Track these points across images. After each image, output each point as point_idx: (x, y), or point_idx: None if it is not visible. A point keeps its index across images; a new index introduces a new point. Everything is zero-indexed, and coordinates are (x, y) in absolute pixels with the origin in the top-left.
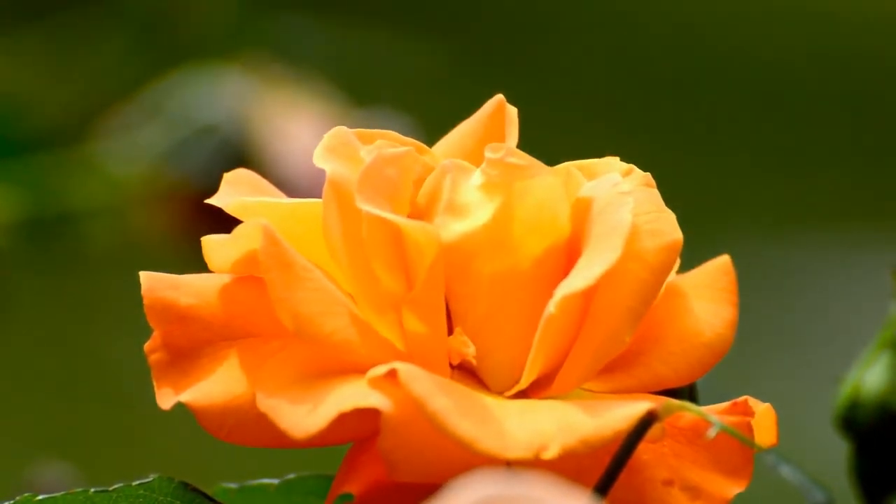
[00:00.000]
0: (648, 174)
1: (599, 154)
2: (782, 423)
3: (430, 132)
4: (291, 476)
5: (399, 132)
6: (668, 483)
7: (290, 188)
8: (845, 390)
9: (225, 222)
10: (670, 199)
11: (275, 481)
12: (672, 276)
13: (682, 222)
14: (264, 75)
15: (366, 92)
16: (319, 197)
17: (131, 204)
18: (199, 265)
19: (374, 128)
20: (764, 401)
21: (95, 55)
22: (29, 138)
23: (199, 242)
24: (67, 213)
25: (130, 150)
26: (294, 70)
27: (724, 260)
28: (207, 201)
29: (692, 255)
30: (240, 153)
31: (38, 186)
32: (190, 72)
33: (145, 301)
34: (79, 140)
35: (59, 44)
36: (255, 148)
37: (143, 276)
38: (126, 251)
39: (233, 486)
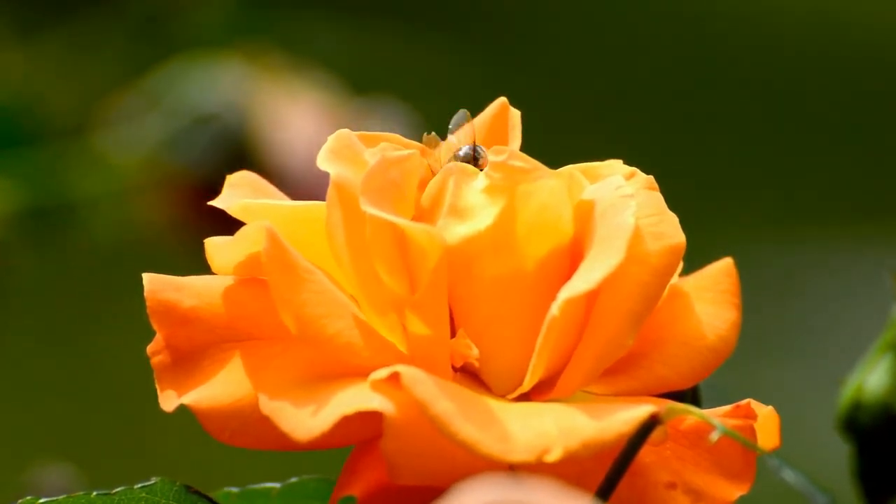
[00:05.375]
0: (651, 177)
1: (602, 157)
2: (785, 426)
3: (434, 131)
4: (293, 480)
5: (399, 123)
6: (671, 486)
7: (289, 178)
8: (847, 392)
9: (225, 214)
10: (672, 202)
11: (277, 485)
12: (675, 279)
13: (685, 225)
14: (264, 65)
15: (368, 88)
16: (317, 185)
17: (132, 193)
18: (200, 254)
19: (373, 118)
20: (766, 403)
21: (96, 46)
22: (29, 130)
23: (200, 231)
24: (68, 203)
25: (130, 140)
26: (294, 60)
27: (726, 262)
28: (210, 203)
29: (694, 258)
30: (239, 142)
31: (38, 177)
32: (189, 61)
33: (148, 303)
34: (79, 130)
35: (62, 39)
36: (254, 137)
37: (146, 277)
38: (127, 240)
39: (234, 490)
